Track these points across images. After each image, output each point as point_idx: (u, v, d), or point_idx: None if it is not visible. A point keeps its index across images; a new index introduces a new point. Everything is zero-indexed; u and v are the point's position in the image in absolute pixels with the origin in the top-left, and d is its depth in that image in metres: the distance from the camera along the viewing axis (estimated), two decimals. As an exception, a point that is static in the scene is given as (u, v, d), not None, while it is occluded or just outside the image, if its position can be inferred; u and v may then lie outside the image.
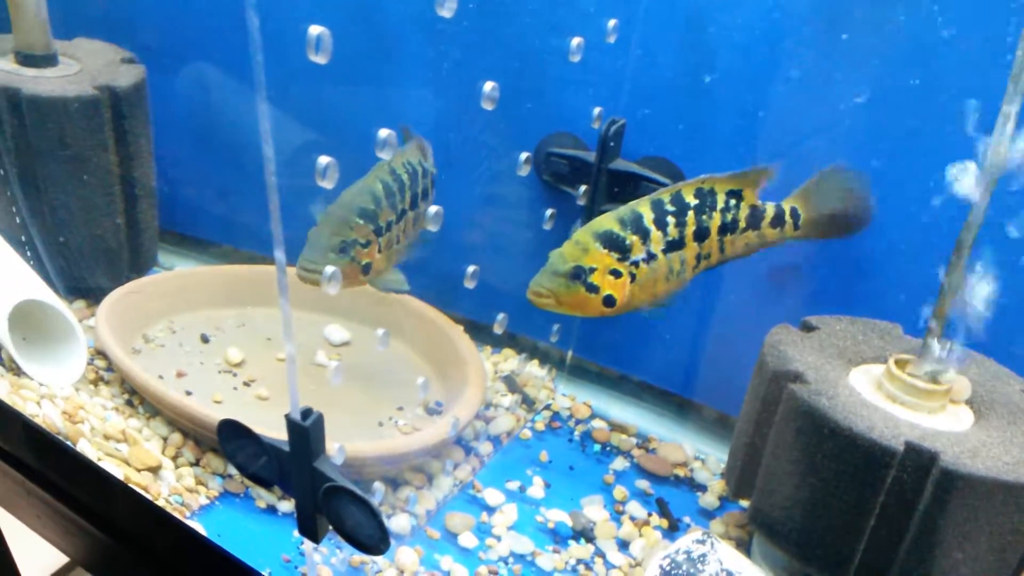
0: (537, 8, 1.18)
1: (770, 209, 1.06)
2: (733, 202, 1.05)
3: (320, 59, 0.64)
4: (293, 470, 0.80)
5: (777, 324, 1.05)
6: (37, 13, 1.30)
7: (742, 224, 1.06)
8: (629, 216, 1.02)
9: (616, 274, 1.01)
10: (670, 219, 1.03)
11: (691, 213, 1.03)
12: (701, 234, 1.04)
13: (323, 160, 0.69)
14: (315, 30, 0.63)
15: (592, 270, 1.00)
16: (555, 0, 1.15)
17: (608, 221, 1.03)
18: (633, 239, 1.01)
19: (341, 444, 0.86)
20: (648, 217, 1.02)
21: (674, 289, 1.06)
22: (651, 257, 1.03)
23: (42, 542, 1.16)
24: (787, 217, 1.06)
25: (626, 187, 1.20)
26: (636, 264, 1.02)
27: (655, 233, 1.02)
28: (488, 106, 0.86)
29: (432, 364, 1.34)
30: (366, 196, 1.06)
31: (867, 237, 1.08)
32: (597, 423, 1.31)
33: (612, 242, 1.01)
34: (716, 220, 1.04)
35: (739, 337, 1.19)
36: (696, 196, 1.04)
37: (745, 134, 1.14)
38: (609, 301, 1.02)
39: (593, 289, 1.00)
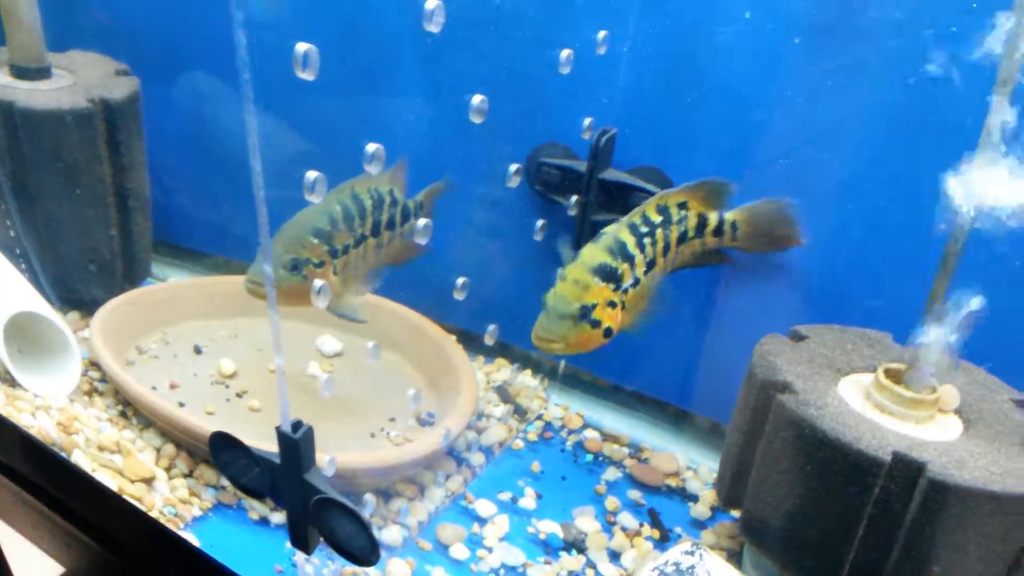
0: (527, 20, 1.19)
1: (713, 219, 1.11)
2: (684, 213, 1.09)
3: (307, 75, 0.64)
4: (284, 482, 0.80)
5: (768, 333, 1.06)
6: (31, 26, 1.31)
7: (691, 233, 1.10)
8: (616, 245, 1.03)
9: (612, 305, 1.03)
10: (646, 240, 1.05)
11: (659, 231, 1.06)
12: (666, 248, 1.08)
13: (311, 175, 0.70)
14: (302, 47, 0.63)
15: (594, 306, 1.01)
16: (545, 12, 1.16)
17: (599, 254, 1.03)
18: (624, 267, 1.03)
19: (332, 456, 0.87)
20: (631, 242, 1.04)
21: (647, 309, 1.08)
22: (636, 282, 1.04)
23: (38, 552, 1.17)
24: (726, 228, 1.11)
25: (617, 197, 1.21)
26: (626, 291, 1.03)
27: (638, 257, 1.04)
28: (477, 119, 0.87)
29: (425, 374, 1.35)
30: (323, 216, 1.07)
31: (863, 245, 1.10)
32: (589, 433, 1.31)
33: (608, 274, 1.02)
34: (674, 233, 1.08)
35: (731, 346, 1.20)
36: (658, 212, 1.07)
37: (733, 142, 1.15)
38: (608, 333, 1.03)
39: (596, 325, 1.01)
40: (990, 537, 0.84)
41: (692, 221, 1.09)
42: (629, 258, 1.03)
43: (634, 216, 1.06)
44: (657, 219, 1.06)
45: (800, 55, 1.07)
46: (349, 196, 1.10)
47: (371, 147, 0.75)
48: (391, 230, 1.16)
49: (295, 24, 1.33)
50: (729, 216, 1.11)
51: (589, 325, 1.00)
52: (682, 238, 1.09)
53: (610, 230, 1.05)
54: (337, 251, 1.07)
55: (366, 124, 1.31)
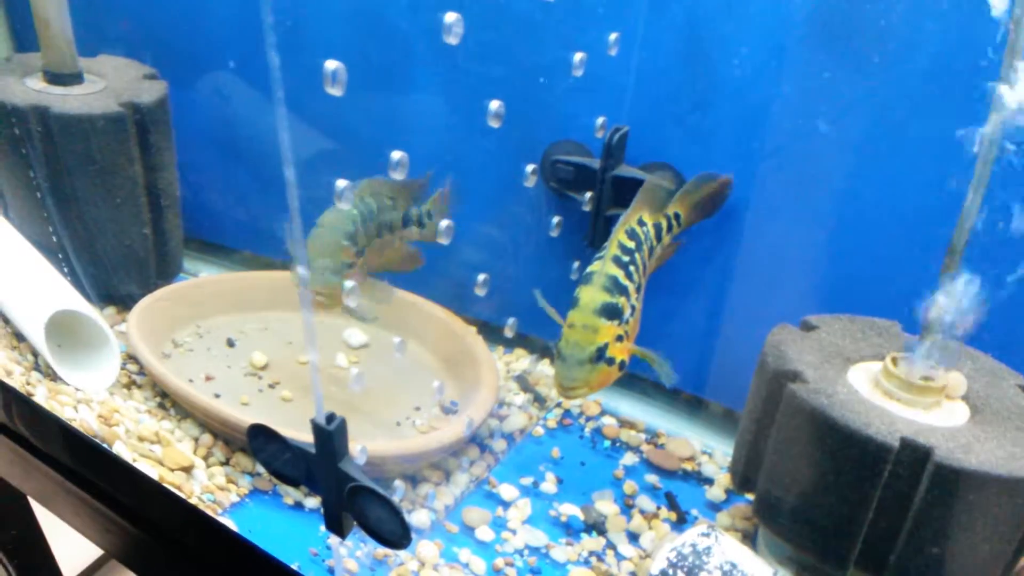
0: (542, 24, 1.21)
1: (664, 222, 1.17)
2: (645, 229, 1.14)
3: (336, 91, 0.68)
4: (319, 471, 0.85)
5: (780, 322, 1.09)
6: (63, 33, 1.35)
7: (655, 243, 1.16)
8: (610, 282, 1.06)
9: (620, 339, 1.07)
10: (631, 268, 1.09)
11: (636, 255, 1.10)
12: (644, 268, 1.12)
13: (341, 183, 0.74)
14: (331, 65, 0.67)
15: (607, 346, 1.05)
16: (558, 16, 1.19)
17: (599, 295, 1.05)
18: (622, 300, 1.06)
19: (364, 445, 0.91)
20: (620, 275, 1.07)
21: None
22: (633, 310, 1.08)
23: (77, 536, 1.22)
24: (674, 222, 1.18)
25: (630, 192, 1.23)
26: (627, 322, 1.07)
27: (631, 287, 1.08)
28: (495, 123, 0.90)
29: (447, 365, 1.39)
30: (349, 220, 1.12)
31: (874, 235, 1.12)
32: (607, 420, 1.35)
33: (612, 312, 1.05)
34: (646, 252, 1.13)
35: (742, 336, 1.23)
36: (630, 237, 1.11)
37: (743, 137, 1.17)
38: (622, 366, 1.08)
39: (612, 362, 1.06)
40: (996, 519, 0.87)
41: (652, 232, 1.14)
42: (623, 290, 1.06)
43: (612, 249, 1.09)
44: (631, 244, 1.10)
45: (809, 48, 1.08)
46: (359, 199, 1.15)
47: (396, 154, 0.79)
48: (391, 233, 1.20)
49: (314, 25, 1.36)
50: (671, 210, 1.17)
51: (606, 364, 1.05)
52: (651, 252, 1.15)
53: (597, 268, 1.07)
54: (362, 252, 1.12)
55: (384, 123, 1.35)
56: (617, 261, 1.08)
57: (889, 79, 1.04)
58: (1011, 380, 1.01)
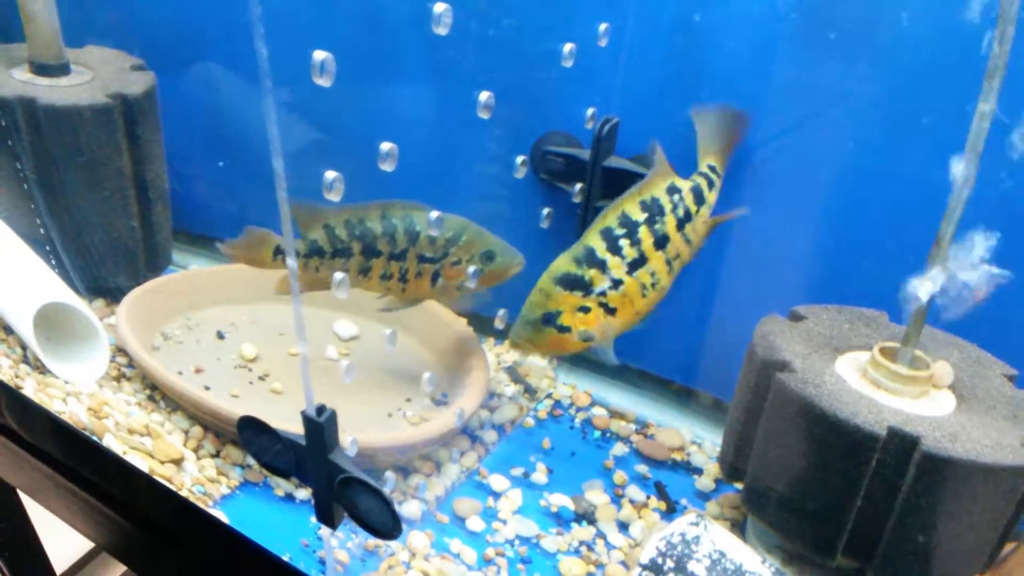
0: (532, 15, 1.21)
1: (699, 180, 1.12)
2: (677, 197, 1.10)
3: (324, 82, 0.68)
4: (310, 462, 0.85)
5: (769, 312, 1.09)
6: (50, 24, 1.34)
7: (693, 208, 1.11)
8: (582, 253, 1.07)
9: (585, 310, 1.07)
10: (623, 242, 1.08)
11: (643, 228, 1.08)
12: (661, 241, 1.09)
13: (330, 175, 0.73)
14: (319, 55, 0.67)
15: (559, 313, 1.07)
16: (548, 6, 1.19)
17: (564, 263, 1.08)
18: (591, 272, 1.07)
19: (354, 436, 0.92)
20: (600, 248, 1.07)
21: (657, 299, 1.12)
22: (617, 283, 1.08)
23: (67, 529, 1.22)
24: (711, 175, 1.12)
25: (620, 183, 1.24)
26: (604, 294, 1.07)
27: (612, 260, 1.07)
28: (484, 115, 0.90)
29: (438, 356, 1.39)
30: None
31: (864, 226, 1.12)
32: (597, 410, 1.36)
33: (571, 282, 1.07)
34: (671, 221, 1.09)
35: (733, 325, 1.24)
36: (643, 210, 1.09)
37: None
38: (585, 336, 1.09)
39: (565, 330, 1.07)
40: (982, 507, 0.88)
41: (689, 197, 1.10)
42: (598, 263, 1.07)
43: (608, 219, 1.08)
44: (639, 216, 1.08)
45: (798, 39, 1.09)
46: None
47: (385, 146, 0.78)
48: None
49: (303, 16, 1.35)
50: (703, 164, 1.12)
51: (555, 330, 1.07)
52: (685, 220, 1.10)
53: (584, 237, 1.09)
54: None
55: (373, 113, 1.34)
56: (605, 233, 1.08)
57: (879, 71, 1.04)
58: (997, 369, 1.02)
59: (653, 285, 1.10)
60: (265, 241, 1.21)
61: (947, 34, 0.99)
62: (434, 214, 0.98)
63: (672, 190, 1.10)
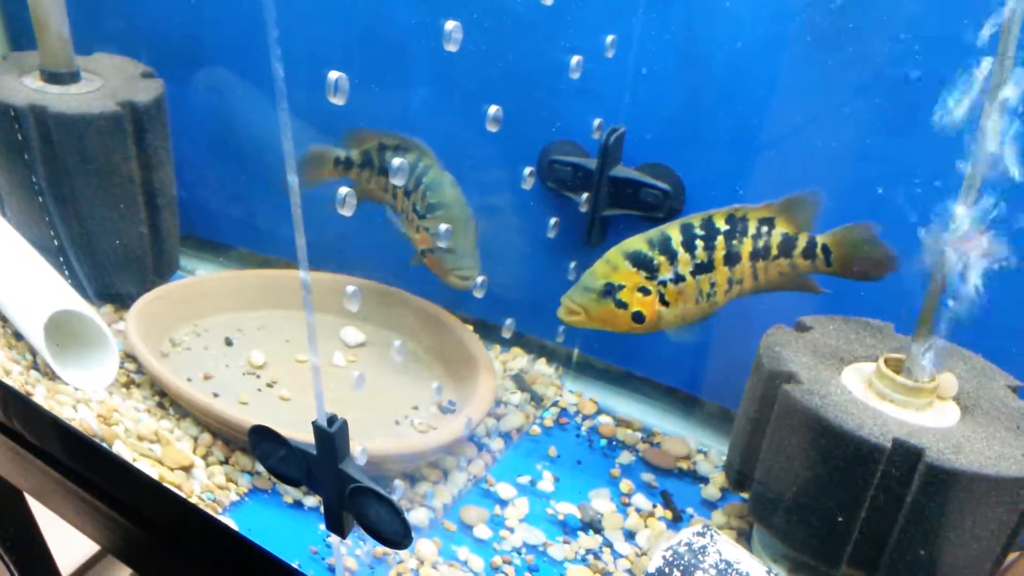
0: (539, 26, 1.22)
1: (803, 240, 1.08)
2: (765, 229, 1.08)
3: (338, 100, 0.69)
4: (320, 472, 0.86)
5: (775, 322, 1.10)
6: (61, 31, 1.35)
7: (774, 251, 1.08)
8: (658, 238, 1.07)
9: (645, 291, 1.06)
10: (699, 242, 1.07)
11: (720, 238, 1.07)
12: (731, 259, 1.08)
13: (343, 191, 0.74)
14: (334, 75, 0.68)
15: (621, 287, 1.05)
16: (556, 18, 1.20)
17: (637, 242, 1.08)
18: (661, 259, 1.06)
19: (364, 446, 0.92)
20: (676, 239, 1.07)
21: (706, 311, 1.11)
22: (679, 278, 1.07)
23: (73, 532, 1.23)
24: (818, 251, 1.08)
25: (627, 193, 1.25)
26: (664, 284, 1.07)
27: (683, 255, 1.07)
28: (493, 128, 0.91)
29: (444, 364, 1.40)
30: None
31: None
32: (603, 419, 1.36)
33: (640, 261, 1.06)
34: (747, 246, 1.07)
35: (737, 335, 1.24)
36: (727, 222, 1.08)
37: (739, 139, 1.18)
38: (638, 317, 1.07)
39: (622, 305, 1.06)
40: (985, 518, 0.88)
41: (776, 239, 1.08)
42: (671, 253, 1.06)
43: (692, 217, 1.08)
44: (723, 227, 1.07)
45: (807, 50, 1.09)
46: None
47: (396, 160, 0.79)
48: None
49: (315, 22, 1.36)
50: (820, 239, 1.09)
51: (613, 303, 1.06)
52: (761, 254, 1.08)
53: (663, 226, 1.08)
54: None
55: (382, 123, 1.35)
56: (685, 229, 1.07)
57: (884, 81, 1.05)
58: (1001, 380, 1.02)
59: (709, 296, 1.09)
60: (325, 155, 1.35)
61: (952, 45, 0.99)
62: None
63: (764, 222, 1.09)
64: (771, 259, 1.09)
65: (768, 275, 1.10)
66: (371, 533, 0.86)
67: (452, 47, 0.79)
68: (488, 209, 1.37)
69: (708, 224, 1.08)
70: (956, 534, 0.89)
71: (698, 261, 1.08)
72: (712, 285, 1.09)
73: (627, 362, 1.42)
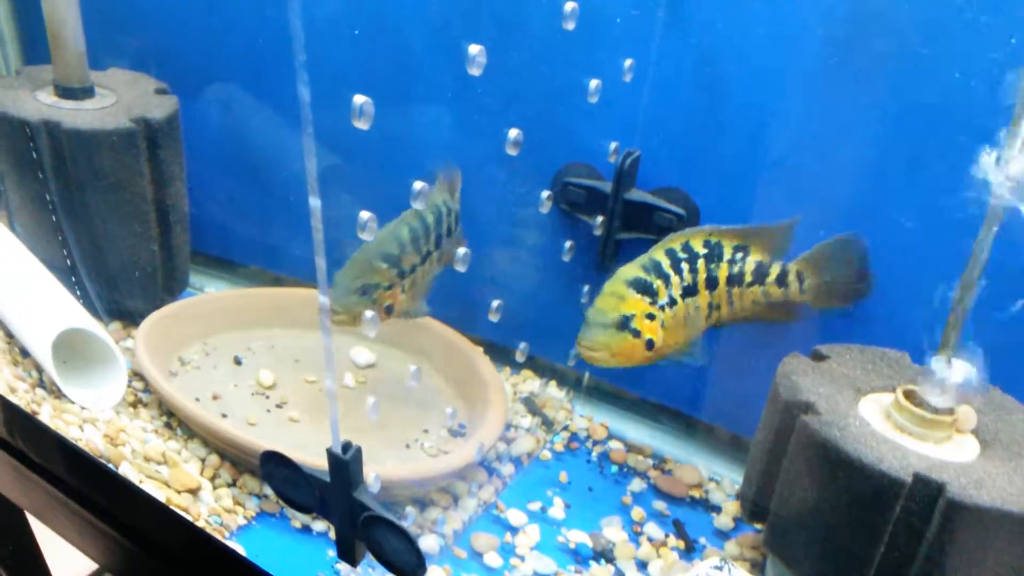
0: (558, 50, 1.22)
1: (775, 268, 1.10)
2: (740, 255, 1.09)
3: (362, 124, 0.68)
4: (333, 500, 0.85)
5: (789, 349, 1.09)
6: (76, 46, 1.35)
7: (748, 278, 1.09)
8: (650, 263, 1.08)
9: (651, 317, 1.06)
10: (684, 265, 1.08)
11: (701, 261, 1.08)
12: (711, 282, 1.09)
13: (364, 215, 0.74)
14: (359, 99, 0.67)
15: (632, 316, 1.04)
16: (576, 42, 1.20)
17: (632, 269, 1.08)
18: (658, 283, 1.06)
19: (377, 472, 0.91)
20: (665, 263, 1.07)
21: (693, 336, 1.11)
22: (673, 302, 1.07)
23: (71, 551, 1.21)
24: (790, 279, 1.09)
25: (641, 216, 1.24)
26: (663, 308, 1.06)
27: (674, 278, 1.07)
28: (512, 151, 0.91)
29: (455, 386, 1.39)
30: (392, 242, 1.12)
31: (886, 263, 1.11)
32: (614, 444, 1.35)
33: (642, 287, 1.06)
34: (724, 270, 1.08)
35: (750, 361, 1.24)
36: (704, 246, 1.09)
37: (755, 164, 1.18)
38: (650, 344, 1.06)
39: (637, 334, 1.05)
40: (1007, 556, 0.87)
41: (750, 266, 1.09)
42: (664, 276, 1.06)
43: (673, 242, 1.08)
44: (701, 250, 1.08)
45: (823, 74, 1.09)
46: (416, 217, 1.15)
47: (418, 185, 0.79)
48: (450, 236, 1.21)
49: (335, 46, 1.36)
50: (792, 265, 1.09)
51: (630, 334, 1.05)
52: (736, 280, 1.09)
53: (647, 253, 1.09)
54: (405, 272, 1.13)
55: (399, 144, 1.35)
56: (670, 253, 1.08)
57: (905, 105, 1.04)
58: (1019, 414, 1.01)
59: (694, 320, 1.09)
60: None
61: (972, 60, 0.99)
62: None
63: (739, 249, 1.09)
64: (745, 286, 1.10)
65: (743, 303, 1.11)
66: (384, 563, 0.84)
67: (476, 71, 0.79)
68: (504, 231, 1.36)
69: (688, 247, 1.09)
70: (976, 571, 0.88)
71: (685, 284, 1.08)
72: (696, 308, 1.09)
73: (638, 386, 1.41)
